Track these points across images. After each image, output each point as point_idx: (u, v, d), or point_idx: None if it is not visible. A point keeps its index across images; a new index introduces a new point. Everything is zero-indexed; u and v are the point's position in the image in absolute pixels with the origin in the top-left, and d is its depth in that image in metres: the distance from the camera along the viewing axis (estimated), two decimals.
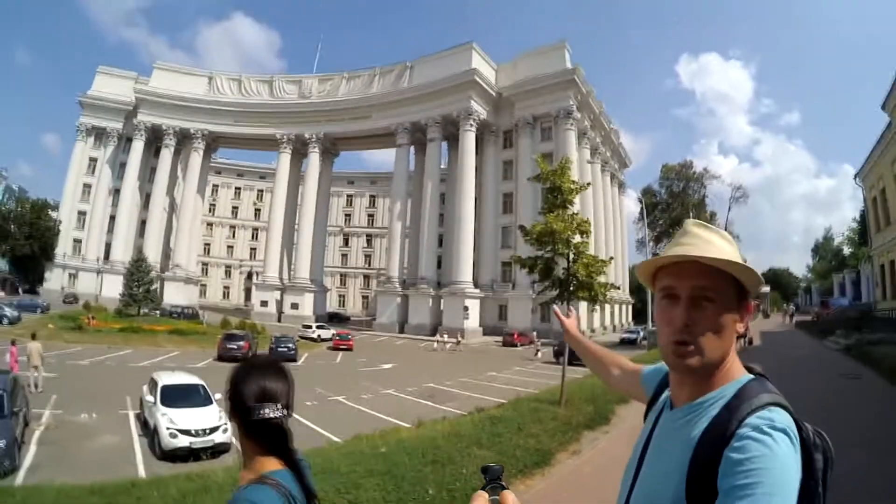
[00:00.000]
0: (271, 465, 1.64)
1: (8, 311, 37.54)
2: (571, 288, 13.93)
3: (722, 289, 1.26)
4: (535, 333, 45.11)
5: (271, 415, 1.62)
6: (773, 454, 1.05)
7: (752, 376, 1.29)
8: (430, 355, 38.94)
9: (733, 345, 1.29)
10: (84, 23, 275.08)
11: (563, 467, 8.52)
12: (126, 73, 73.71)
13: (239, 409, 1.66)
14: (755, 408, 1.14)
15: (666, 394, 1.44)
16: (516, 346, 44.67)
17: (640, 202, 50.15)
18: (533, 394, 16.23)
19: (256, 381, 1.68)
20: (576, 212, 14.36)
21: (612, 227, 69.31)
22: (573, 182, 14.05)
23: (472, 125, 58.17)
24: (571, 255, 13.83)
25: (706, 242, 1.28)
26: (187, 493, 6.34)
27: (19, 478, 9.64)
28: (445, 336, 45.20)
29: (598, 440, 10.32)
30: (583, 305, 19.12)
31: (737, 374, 1.28)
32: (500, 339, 48.68)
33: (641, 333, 46.10)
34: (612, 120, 72.68)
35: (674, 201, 65.81)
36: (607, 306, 56.30)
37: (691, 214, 62.95)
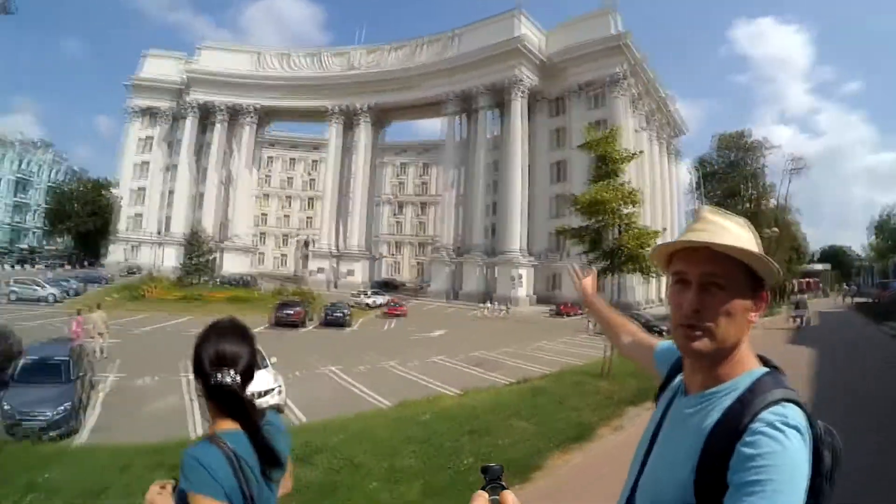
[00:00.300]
0: (226, 425, 1.70)
1: (74, 284, 39.91)
2: (621, 259, 13.61)
3: (733, 276, 1.23)
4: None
5: (224, 380, 1.67)
6: (785, 451, 1.04)
7: (766, 369, 1.25)
8: (481, 323, 39.14)
9: (746, 334, 1.25)
10: (129, 9, 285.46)
11: (604, 442, 8.36)
12: (173, 55, 76.30)
13: (197, 371, 1.73)
14: (769, 403, 1.12)
15: (679, 378, 1.40)
16: (567, 316, 44.27)
17: (696, 171, 48.24)
18: (578, 366, 16.11)
19: (214, 346, 1.74)
20: (625, 181, 13.92)
21: (664, 197, 67.32)
22: (622, 150, 13.60)
23: (520, 93, 57.36)
24: (620, 226, 13.47)
25: (721, 229, 1.25)
26: None
27: (83, 437, 10.25)
28: (495, 304, 45.22)
29: (641, 416, 10.04)
30: (634, 278, 18.74)
31: (751, 366, 1.26)
32: (550, 308, 48.42)
33: None
34: (665, 87, 70.06)
35: (729, 172, 63.02)
36: (662, 278, 54.92)
37: (748, 185, 60.25)
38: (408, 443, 7.54)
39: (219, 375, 1.68)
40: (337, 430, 8.08)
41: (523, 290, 53.28)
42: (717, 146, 63.65)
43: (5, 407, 9.94)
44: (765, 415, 1.09)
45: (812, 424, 1.14)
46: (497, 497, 1.16)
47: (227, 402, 1.71)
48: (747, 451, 1.06)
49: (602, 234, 13.93)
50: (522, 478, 6.62)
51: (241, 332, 1.82)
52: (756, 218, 54.76)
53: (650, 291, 55.04)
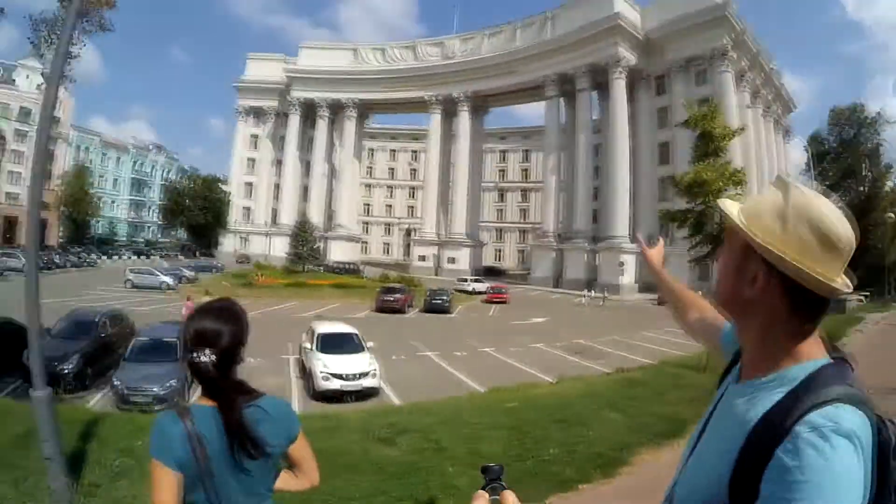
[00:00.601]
0: (203, 400, 1.79)
1: (186, 273, 43.73)
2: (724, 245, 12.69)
3: (730, 239, 1.15)
4: (699, 293, 42.42)
5: (199, 359, 1.73)
6: (829, 466, 0.87)
7: (828, 360, 1.06)
8: (583, 311, 38.36)
9: (772, 316, 1.06)
10: (230, 16, 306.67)
11: None
12: (274, 56, 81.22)
13: (182, 348, 1.84)
14: (821, 402, 0.94)
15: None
16: None
17: (807, 151, 44.06)
18: (679, 357, 15.34)
19: (197, 324, 1.80)
20: (729, 160, 12.94)
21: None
22: (724, 127, 12.62)
23: (620, 73, 55.30)
24: None
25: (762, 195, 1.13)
26: (319, 430, 6.87)
27: None
28: (593, 292, 44.28)
29: None
30: None
31: (813, 355, 1.06)
32: (655, 297, 46.58)
33: None
34: (773, 59, 64.51)
35: (844, 150, 56.89)
36: None
37: (866, 165, 54.49)
38: (494, 429, 7.51)
39: (195, 354, 1.74)
40: (426, 413, 8.19)
41: (628, 277, 51.49)
42: (830, 122, 58.23)
43: (116, 383, 11.08)
44: (813, 416, 0.92)
45: (880, 429, 0.95)
46: (497, 497, 1.16)
47: (200, 379, 1.77)
48: (785, 459, 0.90)
49: (705, 217, 13.07)
50: (608, 473, 6.38)
51: (227, 313, 1.86)
52: (874, 201, 49.46)
53: None
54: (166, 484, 1.67)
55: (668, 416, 8.45)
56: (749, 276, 1.08)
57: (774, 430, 0.95)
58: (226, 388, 1.78)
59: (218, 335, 1.78)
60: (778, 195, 1.07)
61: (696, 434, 1.24)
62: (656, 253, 2.10)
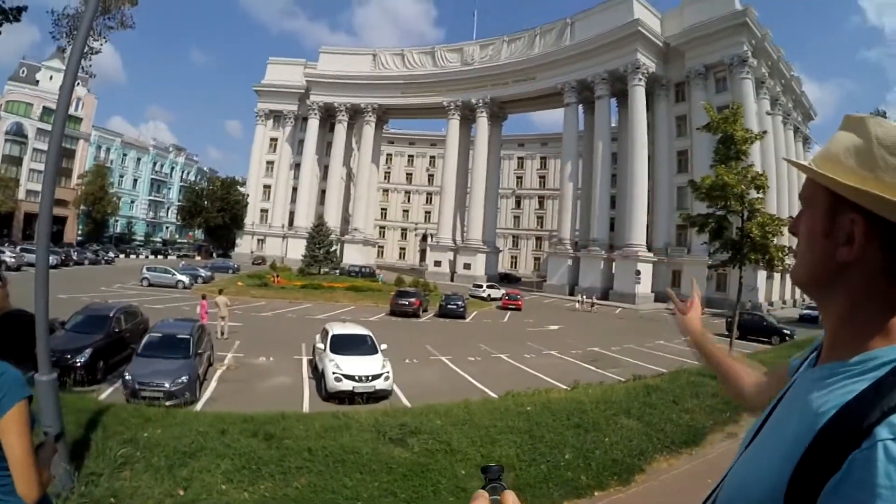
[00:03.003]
0: None
1: (202, 272, 44.43)
2: (745, 250, 12.43)
3: (811, 193, 0.95)
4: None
5: None
6: None
7: None
8: (597, 319, 38.03)
9: (867, 283, 0.86)
10: (247, 20, 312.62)
11: (715, 449, 7.73)
12: (294, 61, 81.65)
13: None
14: None
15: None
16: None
17: None
18: (697, 366, 15.08)
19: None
20: (751, 164, 12.70)
21: (795, 187, 61.33)
22: (746, 130, 12.39)
23: (640, 80, 54.77)
24: (745, 213, 12.29)
25: (832, 140, 0.95)
26: (329, 428, 6.80)
27: (198, 407, 11.10)
28: (584, 297, 44.27)
29: None
30: (760, 277, 17.21)
31: None
32: (671, 306, 46.03)
33: None
34: (792, 67, 63.99)
35: None
36: (787, 275, 50.36)
37: None
38: (508, 432, 7.39)
39: None
40: (438, 415, 8.06)
41: (644, 286, 51.00)
42: None
43: (127, 377, 11.12)
44: None
45: None
46: (497, 497, 1.10)
47: None
48: (857, 471, 0.71)
49: (725, 221, 12.85)
50: (623, 480, 6.26)
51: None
52: None
53: (773, 292, 50.96)
54: None
55: (686, 424, 8.31)
56: (842, 234, 0.88)
57: (852, 427, 0.75)
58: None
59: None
60: (849, 136, 0.90)
61: (755, 426, 1.05)
62: (693, 316, 1.71)
